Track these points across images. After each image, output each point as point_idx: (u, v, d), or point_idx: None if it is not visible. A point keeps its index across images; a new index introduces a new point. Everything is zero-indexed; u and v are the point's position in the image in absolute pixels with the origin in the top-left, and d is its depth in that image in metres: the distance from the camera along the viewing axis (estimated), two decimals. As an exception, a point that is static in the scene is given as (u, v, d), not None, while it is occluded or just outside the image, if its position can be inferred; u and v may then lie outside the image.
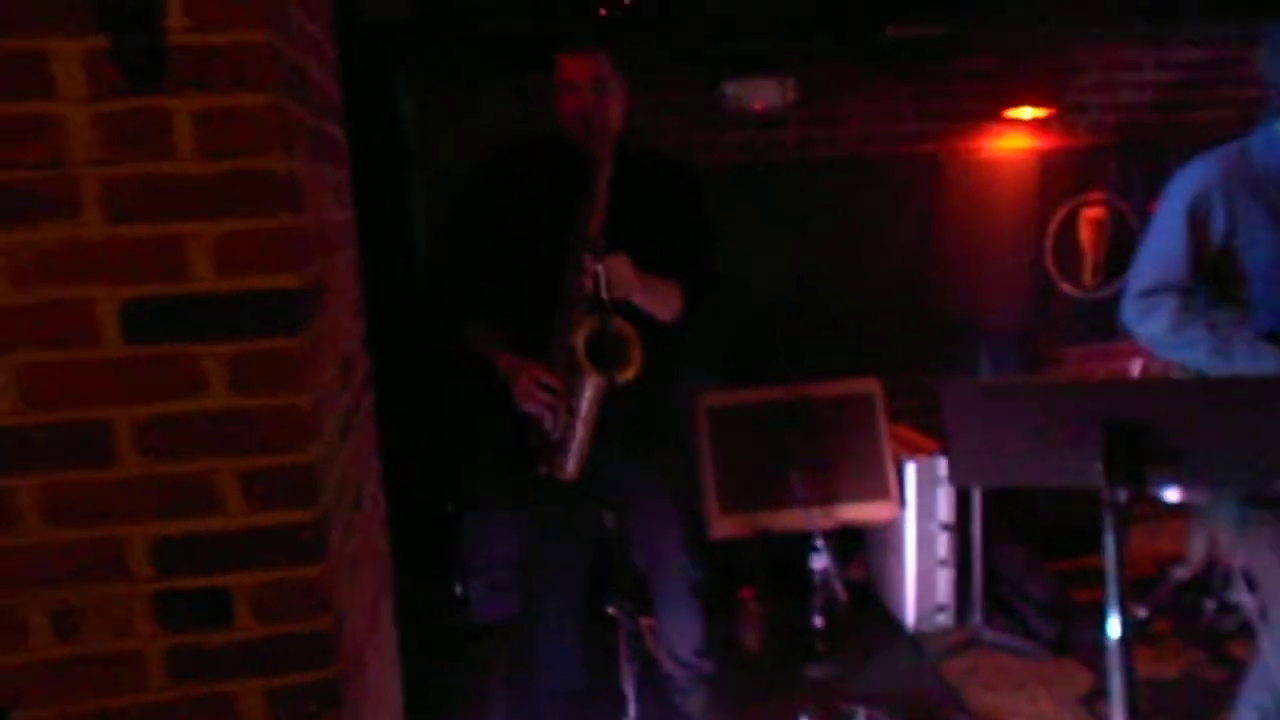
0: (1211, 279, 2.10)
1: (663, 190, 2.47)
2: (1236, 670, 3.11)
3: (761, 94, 3.72)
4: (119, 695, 1.37)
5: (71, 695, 1.36)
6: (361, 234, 2.00)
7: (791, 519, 3.28)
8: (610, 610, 2.27)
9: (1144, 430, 1.64)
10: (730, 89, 3.74)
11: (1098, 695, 3.03)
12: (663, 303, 2.41)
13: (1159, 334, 2.10)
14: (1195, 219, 2.06)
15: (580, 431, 2.33)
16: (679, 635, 2.78)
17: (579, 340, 2.22)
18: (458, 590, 3.44)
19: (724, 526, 3.29)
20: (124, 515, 1.34)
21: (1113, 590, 1.70)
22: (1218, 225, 2.05)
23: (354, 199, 1.95)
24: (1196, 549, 3.42)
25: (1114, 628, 1.70)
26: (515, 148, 2.55)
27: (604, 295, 2.10)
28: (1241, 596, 3.24)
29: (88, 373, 1.30)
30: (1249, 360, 2.02)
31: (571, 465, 2.37)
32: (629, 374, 2.23)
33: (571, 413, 2.31)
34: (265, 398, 1.34)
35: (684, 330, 2.47)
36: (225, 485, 1.35)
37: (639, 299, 2.31)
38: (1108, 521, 1.71)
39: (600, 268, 2.11)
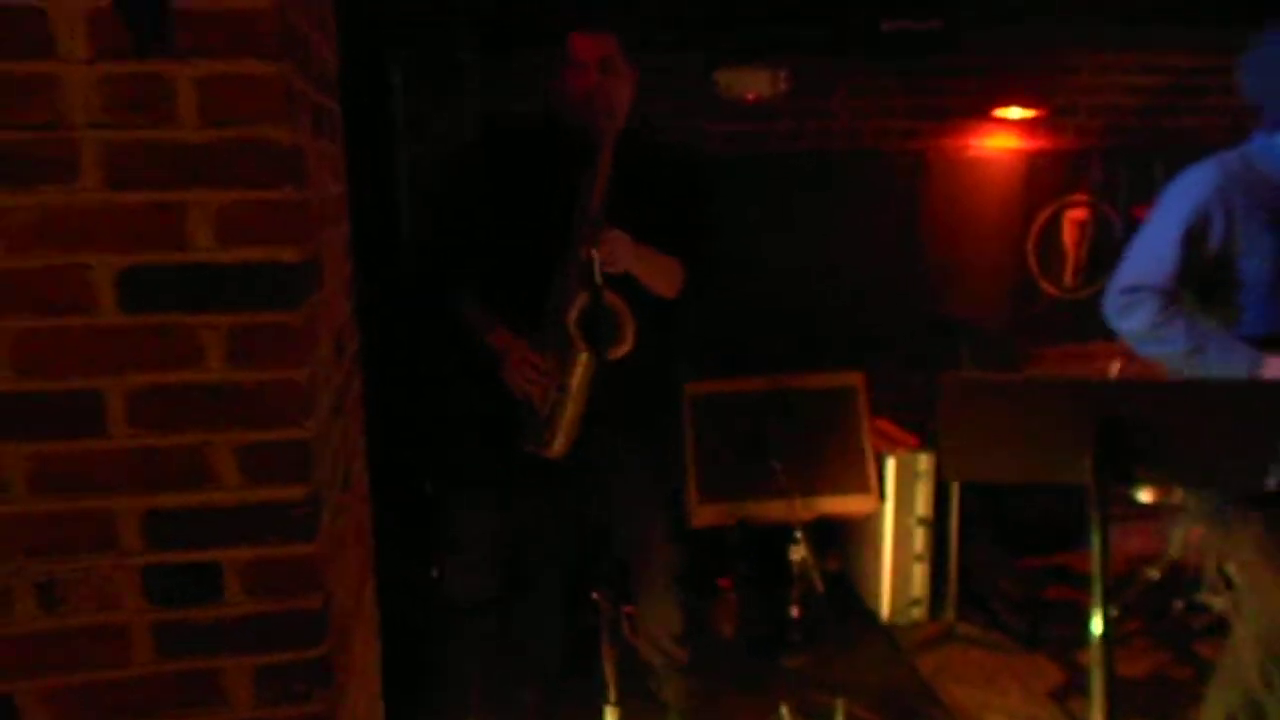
0: (1203, 284, 2.12)
1: (663, 175, 2.46)
2: (1204, 669, 3.16)
3: (754, 84, 3.71)
4: (104, 669, 1.35)
5: (56, 668, 1.33)
6: (350, 210, 1.97)
7: (771, 509, 3.29)
8: (593, 596, 2.26)
9: (1136, 429, 1.66)
10: (722, 78, 3.72)
11: (1067, 690, 3.07)
12: (662, 276, 2.39)
13: (1138, 330, 2.12)
14: (1192, 231, 2.07)
15: (569, 409, 2.31)
16: (658, 623, 2.78)
17: (572, 315, 2.20)
18: (434, 572, 3.43)
19: (703, 515, 3.30)
20: (114, 487, 1.31)
21: (1097, 587, 1.72)
22: (1215, 234, 2.06)
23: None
24: (1175, 545, 3.47)
25: (1097, 624, 1.72)
26: (510, 127, 2.52)
27: (599, 271, 2.09)
28: (1209, 598, 3.30)
29: (81, 341, 1.27)
30: (1221, 355, 2.04)
31: (558, 443, 2.34)
32: (621, 350, 2.21)
33: (561, 389, 2.29)
34: (263, 371, 1.32)
35: (677, 312, 2.47)
36: (219, 459, 1.33)
37: (638, 271, 2.29)
38: (1094, 519, 1.73)
39: (598, 245, 2.10)
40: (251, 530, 1.36)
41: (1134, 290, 2.12)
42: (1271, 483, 1.97)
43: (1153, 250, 2.13)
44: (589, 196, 2.20)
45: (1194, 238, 2.07)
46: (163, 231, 1.27)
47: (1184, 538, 3.39)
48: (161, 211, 1.26)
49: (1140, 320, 2.10)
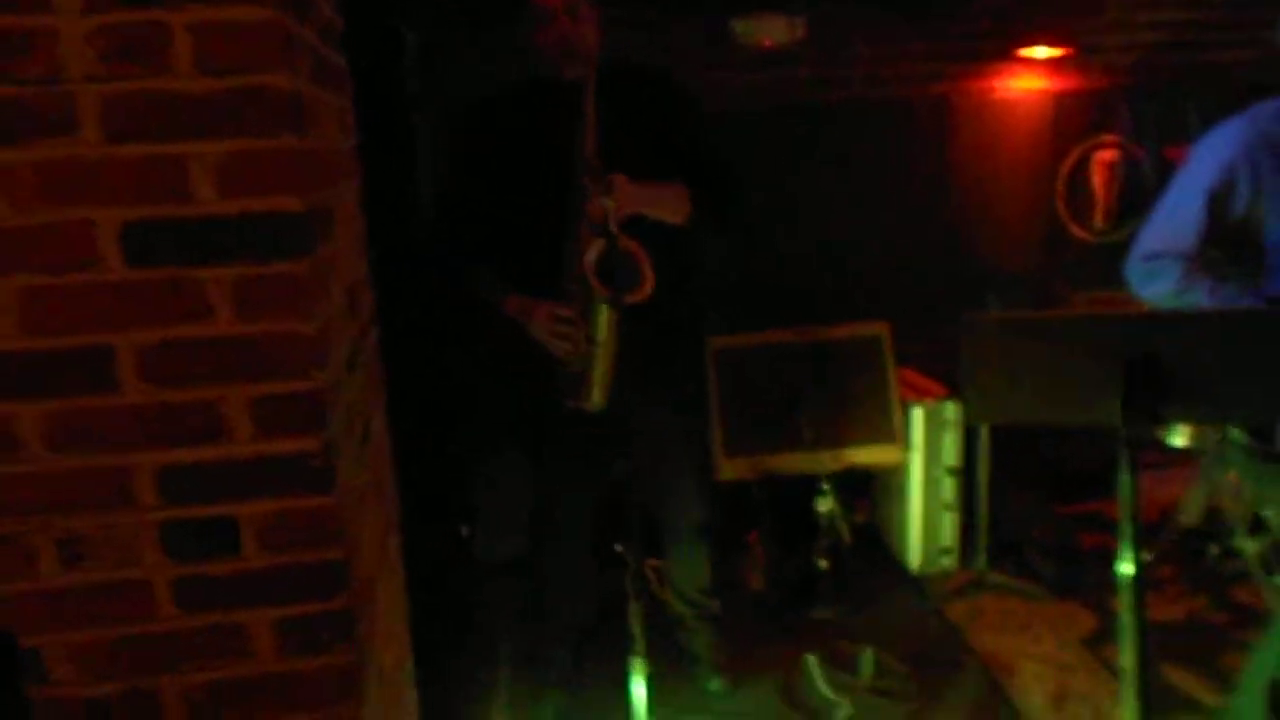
0: (1229, 246, 2.05)
1: (651, 97, 2.43)
2: (1240, 614, 3.13)
3: (769, 31, 3.64)
4: (126, 624, 1.36)
5: (78, 624, 1.35)
6: (366, 176, 1.96)
7: (798, 462, 3.28)
8: (618, 549, 2.26)
9: (1163, 366, 1.61)
10: (738, 26, 3.65)
11: (1101, 637, 3.05)
12: (668, 204, 2.36)
13: (1162, 296, 2.06)
14: (1216, 196, 2.00)
15: (601, 359, 2.29)
16: (686, 575, 2.79)
17: (589, 264, 2.18)
18: (464, 531, 3.45)
19: (730, 469, 3.29)
20: (128, 443, 1.31)
21: (1125, 529, 1.69)
22: (1240, 196, 1.98)
23: (358, 138, 1.90)
24: (1196, 498, 3.42)
25: (1126, 566, 1.69)
26: (498, 95, 2.49)
27: (614, 219, 2.06)
28: (1244, 542, 3.25)
29: (88, 298, 1.27)
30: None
31: (597, 395, 2.33)
32: (643, 293, 2.18)
33: (591, 341, 2.27)
34: (271, 323, 1.31)
35: (703, 260, 2.43)
36: (232, 412, 1.32)
37: (644, 207, 2.27)
38: (1122, 460, 1.69)
39: (610, 193, 2.08)
40: (267, 483, 1.36)
41: (1156, 257, 2.06)
42: None
43: (1176, 218, 2.06)
44: (583, 146, 2.18)
45: (1219, 200, 2.00)
46: (164, 184, 1.25)
47: (1211, 486, 3.33)
48: (162, 164, 1.25)
49: (1163, 287, 2.04)
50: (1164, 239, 2.06)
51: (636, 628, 2.23)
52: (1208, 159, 2.03)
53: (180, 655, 1.38)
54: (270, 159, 1.27)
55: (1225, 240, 2.03)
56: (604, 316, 2.25)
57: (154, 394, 1.31)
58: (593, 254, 2.17)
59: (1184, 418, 2.12)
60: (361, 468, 1.64)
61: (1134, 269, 2.12)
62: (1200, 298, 2.00)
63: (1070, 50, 3.87)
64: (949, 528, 3.48)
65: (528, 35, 2.32)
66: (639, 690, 2.19)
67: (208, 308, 1.30)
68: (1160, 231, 2.08)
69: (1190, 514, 3.40)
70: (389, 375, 2.06)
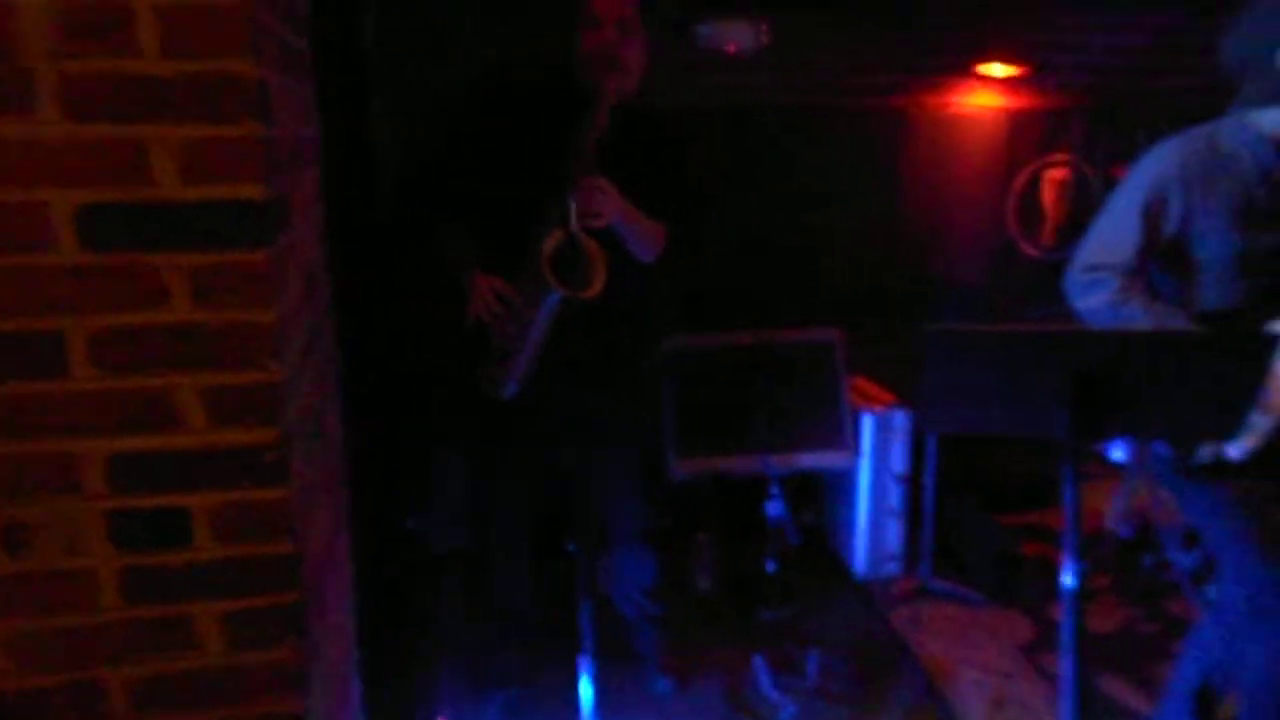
0: (1162, 263, 2.11)
1: (646, 145, 2.42)
2: (1172, 625, 3.21)
3: (734, 35, 3.65)
4: (70, 614, 1.33)
5: (21, 612, 1.31)
6: (324, 162, 1.93)
7: (748, 464, 3.30)
8: (570, 547, 2.26)
9: (1110, 382, 1.66)
10: (703, 30, 3.66)
11: (1039, 645, 3.11)
12: (644, 239, 2.38)
13: (1097, 309, 2.11)
14: (1150, 210, 2.05)
15: (528, 346, 2.29)
16: (628, 576, 2.79)
17: (545, 250, 2.16)
18: (409, 523, 3.41)
19: (681, 469, 3.30)
20: (77, 429, 1.29)
21: (1069, 540, 1.73)
22: (1172, 215, 2.04)
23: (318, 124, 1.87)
24: (1119, 506, 3.52)
25: (1069, 577, 1.73)
26: (511, 79, 2.46)
27: (574, 213, 2.07)
28: (1175, 555, 3.35)
29: (41, 280, 1.24)
30: None
31: (511, 382, 2.32)
32: (589, 293, 2.17)
33: (523, 325, 2.26)
34: (228, 312, 1.29)
35: (659, 269, 2.45)
36: (185, 401, 1.30)
37: (622, 227, 2.28)
38: (1066, 473, 1.74)
39: (581, 188, 2.09)
40: (220, 475, 1.34)
41: (1094, 269, 2.11)
42: (1233, 453, 1.99)
43: (1113, 231, 2.11)
44: (583, 140, 2.17)
45: (1152, 215, 2.05)
46: (124, 167, 1.23)
47: (1135, 497, 3.43)
48: (122, 146, 1.22)
49: (1100, 298, 2.09)
50: (1102, 251, 2.11)
51: (586, 626, 2.24)
52: (1143, 176, 2.08)
53: (124, 647, 1.35)
54: (233, 146, 1.25)
55: (1160, 255, 2.09)
56: (543, 305, 2.23)
57: (105, 380, 1.28)
58: (550, 244, 2.16)
59: (1125, 432, 2.17)
60: (314, 461, 1.62)
61: (1073, 280, 2.16)
62: (1134, 313, 2.05)
63: (1026, 69, 3.95)
64: (895, 534, 3.53)
65: (576, 38, 2.31)
66: (586, 689, 2.20)
67: (164, 294, 1.27)
68: (1099, 244, 2.13)
69: (1114, 520, 3.49)
70: (342, 365, 2.04)
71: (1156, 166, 2.07)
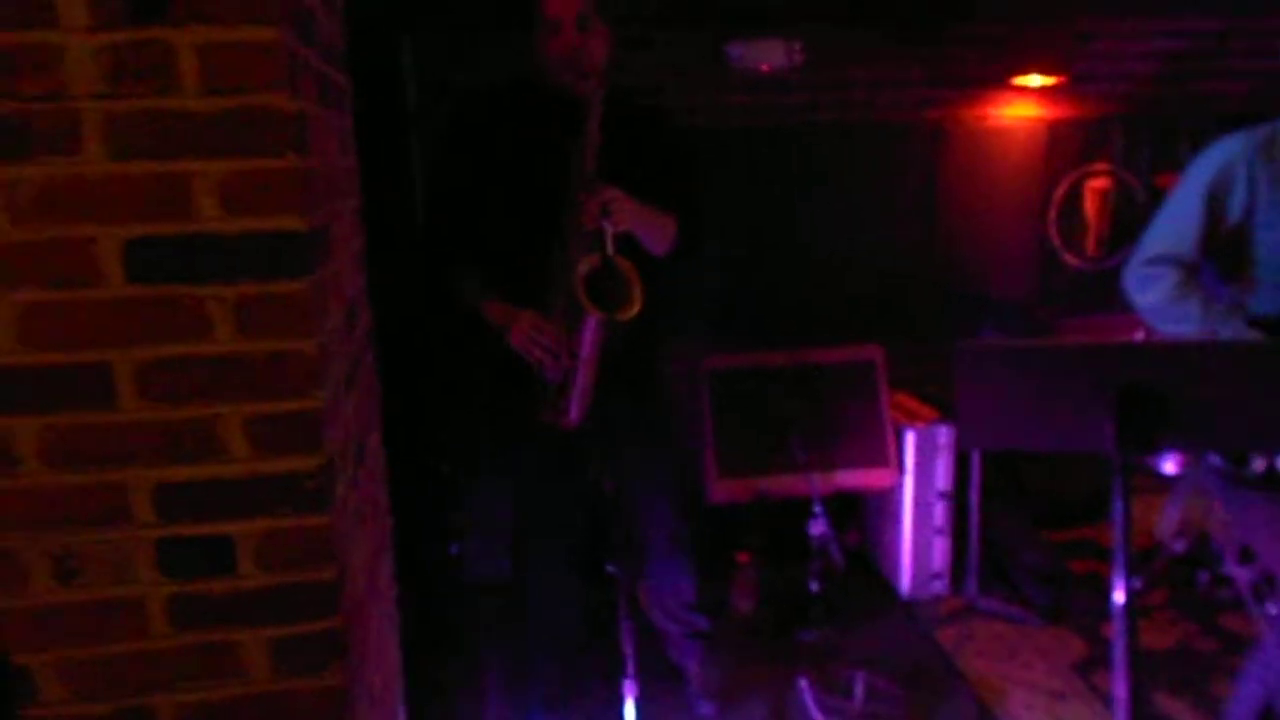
0: (1221, 257, 2.08)
1: (641, 135, 2.43)
2: (1230, 641, 3.13)
3: (768, 55, 3.66)
4: (119, 642, 1.35)
5: (71, 641, 1.34)
6: (364, 194, 1.96)
7: (790, 484, 3.28)
8: (609, 570, 2.26)
9: (1156, 394, 1.62)
10: (736, 50, 3.68)
11: (1091, 663, 3.05)
12: (659, 233, 2.37)
13: (1155, 304, 2.08)
14: (1214, 196, 2.03)
15: (582, 375, 2.28)
16: (668, 589, 2.77)
17: (579, 278, 2.16)
18: (453, 549, 3.44)
19: (723, 490, 3.29)
20: (125, 460, 1.31)
21: (1119, 556, 1.70)
22: (1236, 202, 2.01)
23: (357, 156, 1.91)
24: (1169, 520, 3.43)
25: (1119, 594, 1.70)
26: (492, 92, 2.47)
27: (611, 236, 2.07)
28: (1234, 569, 3.26)
29: (88, 313, 1.27)
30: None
31: (574, 411, 2.31)
32: (631, 312, 2.17)
33: (573, 356, 2.26)
34: (271, 342, 1.31)
35: (664, 277, 2.44)
36: (229, 431, 1.32)
37: (638, 229, 2.27)
38: (1116, 487, 1.70)
39: (608, 209, 2.08)
40: (263, 502, 1.36)
41: (1154, 263, 2.08)
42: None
43: (1174, 223, 2.08)
44: (582, 159, 2.17)
45: (1216, 203, 2.02)
46: (167, 202, 1.26)
47: (1188, 511, 3.35)
48: (165, 182, 1.25)
49: (1158, 293, 2.06)
50: (1162, 245, 2.09)
51: (628, 648, 2.23)
52: (1207, 164, 2.07)
53: (173, 675, 1.37)
54: (273, 178, 1.28)
55: (1218, 252, 2.05)
56: (589, 333, 2.23)
57: (152, 411, 1.31)
58: (584, 269, 2.16)
59: (1176, 446, 2.13)
60: (356, 488, 1.64)
61: (1132, 275, 2.13)
62: (1192, 312, 2.01)
63: (1064, 79, 3.91)
64: (940, 552, 3.48)
65: (537, 43, 2.32)
66: (630, 713, 2.19)
67: (208, 325, 1.30)
68: (1159, 235, 2.11)
69: (1164, 533, 3.41)
70: (383, 393, 2.06)
71: (1221, 156, 2.05)
